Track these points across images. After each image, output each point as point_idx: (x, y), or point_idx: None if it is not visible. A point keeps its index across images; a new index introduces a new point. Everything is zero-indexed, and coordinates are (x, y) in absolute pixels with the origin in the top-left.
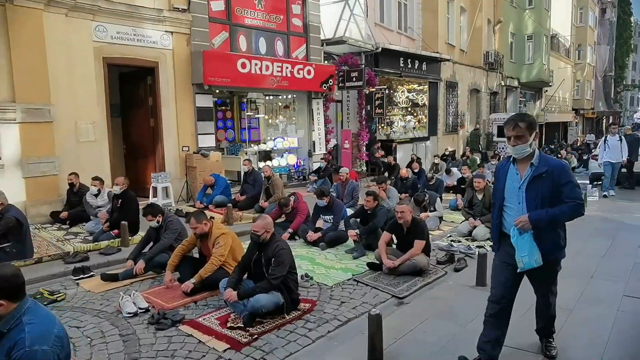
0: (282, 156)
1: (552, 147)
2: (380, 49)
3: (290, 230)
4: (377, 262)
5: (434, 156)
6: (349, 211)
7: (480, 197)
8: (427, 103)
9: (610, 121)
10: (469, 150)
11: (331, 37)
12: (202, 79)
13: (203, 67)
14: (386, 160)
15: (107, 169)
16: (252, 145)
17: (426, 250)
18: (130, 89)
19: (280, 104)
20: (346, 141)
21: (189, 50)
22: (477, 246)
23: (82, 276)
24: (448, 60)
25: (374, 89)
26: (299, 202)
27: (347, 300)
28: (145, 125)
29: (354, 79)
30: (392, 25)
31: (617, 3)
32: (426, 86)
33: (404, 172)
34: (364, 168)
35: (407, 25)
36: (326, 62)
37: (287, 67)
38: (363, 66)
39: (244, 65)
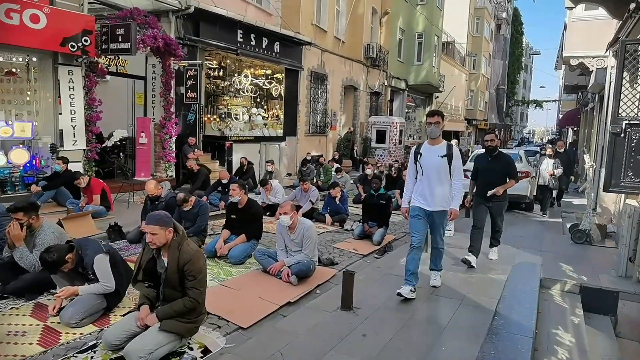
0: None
1: None
2: (192, 9)
3: None
4: None
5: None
6: None
7: None
8: (282, 95)
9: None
10: (338, 155)
11: None
12: None
13: None
14: (189, 165)
15: None
16: None
17: None
18: None
19: None
20: (143, 133)
21: None
22: None
23: None
24: (309, 43)
25: (185, 64)
26: None
27: None
28: None
29: (120, 39)
30: None
31: (511, 21)
32: (282, 74)
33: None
34: (170, 173)
35: None
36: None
37: None
38: (131, 22)
39: None
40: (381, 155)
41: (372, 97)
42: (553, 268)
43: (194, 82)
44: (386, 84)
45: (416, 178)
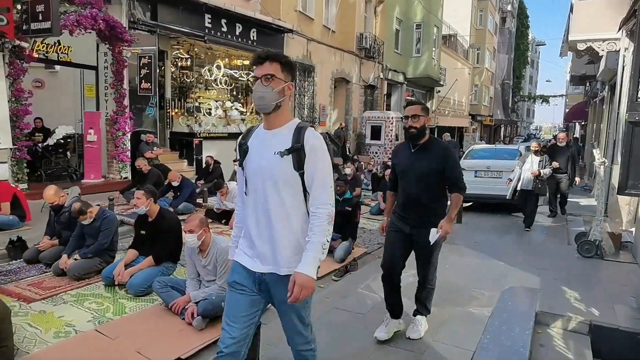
0: None
1: None
2: None
3: None
4: None
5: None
6: None
7: None
8: None
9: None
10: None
11: None
12: None
13: None
14: (138, 165)
15: None
16: None
17: None
18: None
19: None
20: (91, 130)
21: None
22: None
23: None
24: (291, 31)
25: (137, 51)
26: None
27: None
28: None
29: (40, 18)
30: None
31: (516, 14)
32: None
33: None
34: (125, 174)
35: None
36: None
37: None
38: None
39: None
40: (376, 153)
41: (366, 91)
42: (553, 295)
43: (147, 71)
44: (382, 76)
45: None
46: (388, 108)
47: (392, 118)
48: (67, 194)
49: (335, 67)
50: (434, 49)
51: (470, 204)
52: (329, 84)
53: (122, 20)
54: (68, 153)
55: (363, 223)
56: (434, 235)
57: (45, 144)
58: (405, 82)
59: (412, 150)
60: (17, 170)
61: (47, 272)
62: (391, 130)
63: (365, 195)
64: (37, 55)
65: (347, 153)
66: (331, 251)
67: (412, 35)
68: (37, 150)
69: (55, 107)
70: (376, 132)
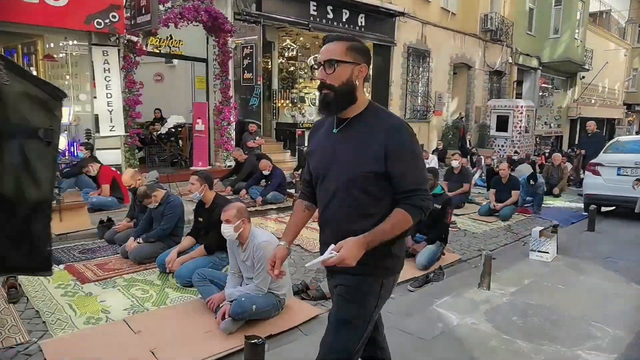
0: None
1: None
2: None
3: None
4: None
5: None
6: None
7: None
8: (370, 75)
9: None
10: (442, 145)
11: None
12: None
13: None
14: (234, 155)
15: None
16: None
17: None
18: None
19: (42, 49)
20: (199, 120)
21: None
22: None
23: None
24: (402, 14)
25: (240, 42)
26: None
27: None
28: None
29: (143, 11)
30: None
31: None
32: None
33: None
34: (230, 163)
35: None
36: None
37: None
38: None
39: None
40: (502, 146)
41: (492, 78)
42: None
43: (250, 61)
44: (511, 61)
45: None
46: (518, 97)
47: (522, 107)
48: (143, 177)
49: (454, 51)
50: (577, 28)
51: (613, 208)
52: (446, 69)
53: (226, 12)
54: (180, 141)
55: (467, 225)
56: (322, 258)
57: (158, 132)
58: (540, 68)
59: (335, 131)
60: (129, 156)
61: (118, 253)
62: (520, 120)
63: (479, 192)
64: (148, 49)
65: (467, 145)
66: (413, 255)
67: (549, 13)
68: (152, 138)
69: (172, 99)
70: (502, 123)
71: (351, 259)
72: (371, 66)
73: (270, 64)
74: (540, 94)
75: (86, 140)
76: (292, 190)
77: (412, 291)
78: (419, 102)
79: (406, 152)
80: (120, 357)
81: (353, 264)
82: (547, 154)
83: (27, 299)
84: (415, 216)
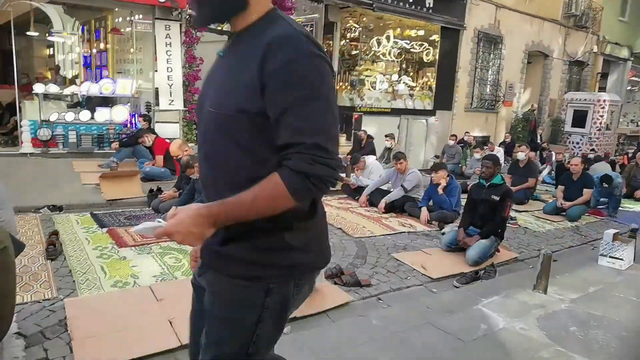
0: (107, 107)
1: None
2: None
3: None
4: None
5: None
6: None
7: None
8: (436, 60)
9: None
10: (511, 138)
11: None
12: None
13: None
14: None
15: None
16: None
17: None
18: None
19: (107, 22)
20: None
21: None
22: None
23: None
24: None
25: (301, 19)
26: None
27: None
28: None
29: None
30: None
31: None
32: (437, 35)
33: None
34: None
35: None
36: None
37: None
38: None
39: None
40: (577, 143)
41: (571, 68)
42: None
43: None
44: (596, 50)
45: None
46: (602, 91)
47: (605, 102)
48: (190, 148)
49: (530, 38)
50: None
51: None
52: (520, 57)
53: None
54: None
55: (529, 222)
56: (150, 224)
57: None
58: (632, 59)
59: (221, 53)
60: (187, 130)
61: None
62: (602, 116)
63: (546, 190)
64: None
65: (538, 140)
66: (463, 249)
67: None
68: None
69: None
70: (580, 119)
71: (182, 236)
72: (437, 50)
73: (331, 45)
74: (629, 88)
75: (145, 112)
76: (344, 175)
77: (457, 287)
78: (488, 91)
79: (294, 79)
80: (137, 323)
81: (189, 244)
82: (629, 154)
83: (64, 257)
84: (297, 187)
